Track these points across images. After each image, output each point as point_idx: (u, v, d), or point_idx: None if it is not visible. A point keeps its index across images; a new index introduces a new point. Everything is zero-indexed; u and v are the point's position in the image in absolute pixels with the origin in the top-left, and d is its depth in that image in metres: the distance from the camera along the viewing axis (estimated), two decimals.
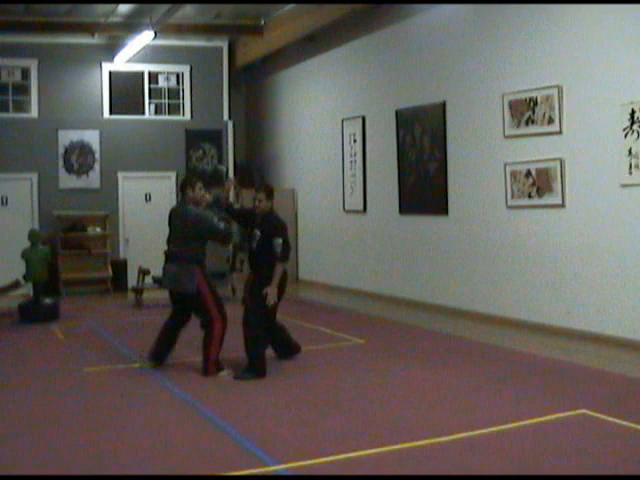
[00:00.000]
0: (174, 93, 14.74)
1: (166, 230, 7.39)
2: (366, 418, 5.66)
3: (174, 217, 7.33)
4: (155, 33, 11.74)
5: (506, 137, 9.09)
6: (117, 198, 14.18)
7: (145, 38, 12.06)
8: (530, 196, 8.78)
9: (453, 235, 10.15)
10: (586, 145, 8.08)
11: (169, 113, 14.71)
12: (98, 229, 13.80)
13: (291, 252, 7.23)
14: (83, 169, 13.96)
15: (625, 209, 7.67)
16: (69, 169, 13.87)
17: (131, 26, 12.62)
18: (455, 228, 10.11)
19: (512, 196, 9.03)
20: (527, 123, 8.74)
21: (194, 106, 14.70)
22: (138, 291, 11.92)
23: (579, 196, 8.22)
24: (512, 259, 9.15)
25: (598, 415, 5.45)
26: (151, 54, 13.95)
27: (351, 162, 12.41)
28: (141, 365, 7.55)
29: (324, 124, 13.28)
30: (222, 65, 14.79)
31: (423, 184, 10.64)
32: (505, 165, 9.09)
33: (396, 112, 11.12)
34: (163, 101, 14.68)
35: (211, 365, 7.01)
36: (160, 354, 7.37)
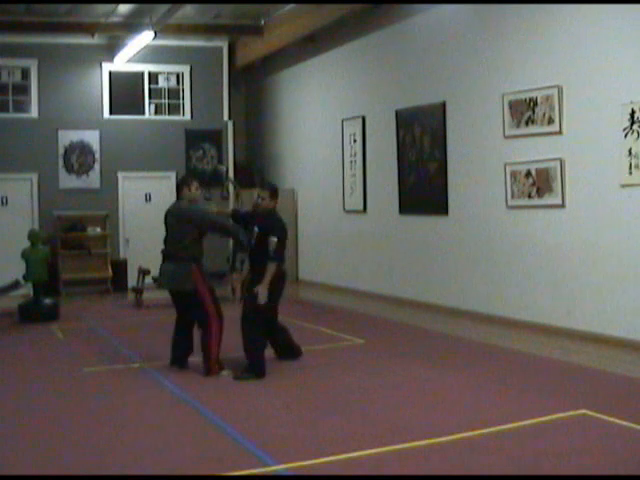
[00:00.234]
0: (174, 93, 14.74)
1: None
2: (366, 418, 5.66)
3: (169, 217, 7.33)
4: (155, 33, 11.74)
5: (506, 137, 9.08)
6: (117, 198, 14.18)
7: (145, 38, 12.06)
8: (530, 196, 8.78)
9: (453, 235, 10.15)
10: (586, 145, 8.08)
11: (169, 113, 14.71)
12: (98, 229, 13.81)
13: (285, 253, 7.16)
14: (83, 169, 13.96)
15: (625, 209, 7.67)
16: (69, 169, 13.88)
17: (131, 26, 12.62)
18: (455, 228, 10.10)
19: (512, 196, 9.03)
20: (527, 123, 8.74)
21: (194, 106, 14.70)
22: (138, 291, 11.92)
23: (579, 196, 8.21)
24: (512, 259, 9.15)
25: (598, 415, 5.45)
26: (151, 54, 13.96)
27: (351, 162, 12.41)
28: (141, 365, 7.55)
29: (324, 124, 13.28)
30: (222, 65, 14.79)
31: (423, 184, 10.64)
32: (505, 165, 9.09)
33: (396, 112, 11.12)
34: (163, 101, 14.69)
35: (212, 364, 7.01)
36: (179, 359, 7.33)
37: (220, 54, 14.76)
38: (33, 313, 10.29)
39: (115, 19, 12.71)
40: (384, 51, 11.55)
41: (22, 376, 7.27)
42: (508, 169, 9.04)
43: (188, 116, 14.69)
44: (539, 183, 8.64)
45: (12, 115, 13.70)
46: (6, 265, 12.08)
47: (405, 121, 10.96)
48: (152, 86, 14.57)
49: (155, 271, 11.12)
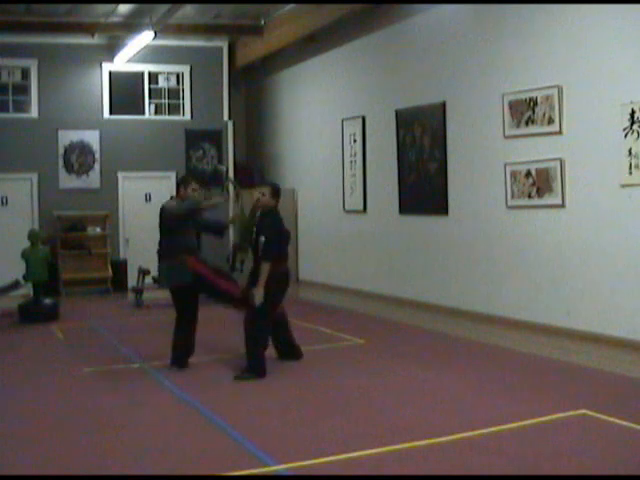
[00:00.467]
0: (174, 93, 14.74)
1: None
2: (366, 418, 5.66)
3: (161, 214, 7.38)
4: (155, 33, 11.74)
5: (506, 137, 9.08)
6: (117, 198, 14.18)
7: (145, 38, 12.06)
8: (530, 196, 8.78)
9: (453, 235, 10.15)
10: (586, 145, 8.08)
11: (169, 113, 14.71)
12: (98, 229, 13.81)
13: (284, 254, 7.15)
14: (83, 169, 13.96)
15: (625, 209, 7.67)
16: (69, 169, 13.88)
17: (131, 26, 12.62)
18: (455, 228, 10.11)
19: (512, 196, 9.03)
20: (527, 123, 8.74)
21: (194, 106, 14.70)
22: (138, 291, 11.92)
23: (579, 196, 8.21)
24: (512, 259, 9.15)
25: (598, 415, 5.45)
26: (151, 54, 13.96)
27: (351, 162, 12.41)
28: (141, 365, 7.55)
29: (324, 124, 13.28)
30: (222, 65, 14.79)
31: (423, 184, 10.64)
32: (505, 165, 9.09)
33: (396, 112, 11.12)
34: (163, 101, 14.69)
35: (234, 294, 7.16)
36: (179, 359, 7.32)
37: (220, 54, 14.76)
38: (33, 313, 10.29)
39: (115, 19, 12.71)
40: (384, 51, 11.55)
41: (22, 376, 7.27)
42: (508, 169, 9.04)
43: (188, 116, 14.69)
44: (539, 183, 8.64)
45: (12, 115, 13.70)
46: (6, 265, 12.08)
47: (405, 121, 10.96)
48: (152, 86, 14.57)
49: (155, 271, 11.16)
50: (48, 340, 9.16)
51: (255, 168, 15.54)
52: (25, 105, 13.83)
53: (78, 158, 13.91)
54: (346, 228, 12.69)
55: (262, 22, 13.34)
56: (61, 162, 13.82)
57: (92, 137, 13.97)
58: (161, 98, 14.66)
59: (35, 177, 13.67)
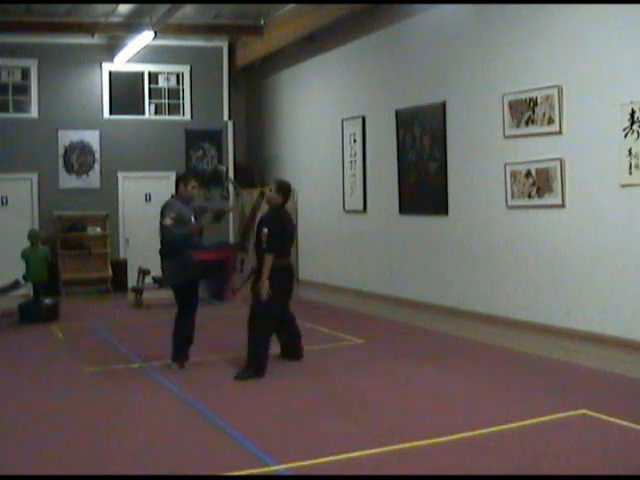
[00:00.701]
0: (174, 93, 14.74)
1: None
2: (366, 418, 5.66)
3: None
4: (155, 33, 11.74)
5: (506, 137, 9.08)
6: (117, 198, 14.19)
7: (145, 38, 12.06)
8: (530, 196, 8.77)
9: (453, 235, 10.14)
10: (586, 145, 8.08)
11: (169, 113, 14.71)
12: (98, 229, 13.81)
13: (276, 245, 7.06)
14: (83, 169, 13.96)
15: (625, 209, 7.66)
16: (69, 169, 13.88)
17: (131, 26, 12.61)
18: (455, 228, 10.10)
19: (512, 196, 9.03)
20: (527, 123, 8.74)
21: (194, 106, 14.70)
22: (138, 291, 11.92)
23: (579, 196, 8.21)
24: (512, 259, 9.15)
25: (598, 415, 5.45)
26: (151, 54, 13.96)
27: (351, 162, 12.41)
28: (141, 365, 7.55)
29: (324, 124, 13.28)
30: (222, 65, 14.79)
31: (423, 184, 10.63)
32: (505, 165, 9.09)
33: (396, 112, 11.11)
34: (163, 101, 14.69)
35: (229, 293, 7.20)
36: (181, 353, 7.31)
37: (220, 54, 14.77)
38: (33, 313, 10.30)
39: (115, 19, 12.70)
40: (384, 51, 11.55)
41: (22, 376, 7.27)
42: (508, 169, 9.04)
43: (188, 116, 14.70)
44: (539, 183, 8.63)
45: (12, 115, 13.70)
46: (6, 265, 12.07)
47: (405, 121, 10.95)
48: (152, 86, 14.57)
49: (155, 271, 11.16)
50: (48, 340, 9.16)
51: (255, 168, 15.53)
52: (25, 105, 13.83)
53: (78, 158, 13.91)
54: (346, 228, 12.69)
55: (262, 22, 13.33)
56: (61, 162, 13.82)
57: (92, 137, 13.98)
58: (161, 98, 14.67)
59: (35, 177, 13.67)
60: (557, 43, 8.39)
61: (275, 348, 7.49)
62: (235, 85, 15.53)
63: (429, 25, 10.49)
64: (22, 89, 13.81)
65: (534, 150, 8.68)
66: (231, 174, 14.47)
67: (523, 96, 8.74)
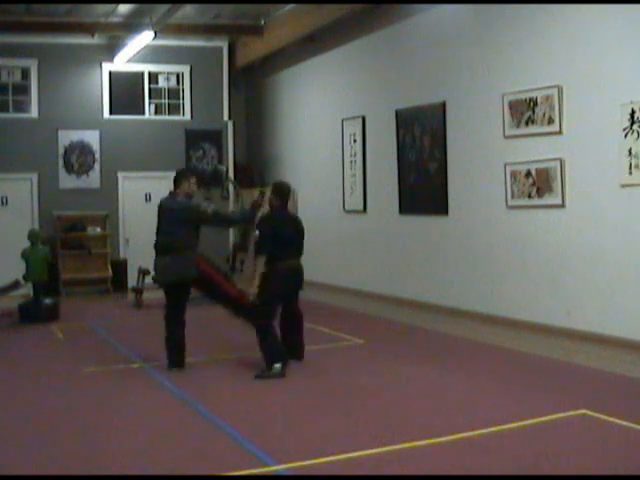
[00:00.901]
0: (174, 93, 14.74)
1: None
2: (366, 418, 5.66)
3: (161, 210, 7.36)
4: (155, 33, 11.74)
5: (506, 137, 9.08)
6: (117, 198, 14.19)
7: (145, 38, 12.06)
8: (530, 196, 8.77)
9: (453, 235, 10.14)
10: (586, 145, 8.08)
11: (169, 113, 14.71)
12: (98, 229, 13.81)
13: (265, 248, 7.13)
14: (83, 169, 13.96)
15: (625, 209, 7.66)
16: (69, 169, 13.88)
17: (131, 26, 12.61)
18: (455, 228, 10.10)
19: (512, 196, 9.03)
20: (527, 123, 8.74)
21: (194, 106, 14.70)
22: (138, 291, 11.92)
23: (579, 196, 8.21)
24: (512, 259, 9.15)
25: (598, 415, 5.45)
26: (151, 54, 13.95)
27: (351, 162, 12.40)
28: (141, 365, 7.55)
29: (324, 124, 13.28)
30: (222, 65, 14.79)
31: (423, 184, 10.63)
32: (505, 165, 9.09)
33: (396, 112, 11.11)
34: (163, 101, 14.69)
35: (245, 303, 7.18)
36: (179, 360, 7.30)
37: (220, 54, 14.76)
38: (33, 313, 10.30)
39: (115, 19, 12.70)
40: (384, 51, 11.55)
41: (22, 376, 7.27)
42: (508, 169, 9.04)
43: (188, 116, 14.70)
44: (539, 183, 8.63)
45: (12, 115, 13.71)
46: (6, 265, 12.07)
47: (405, 121, 10.95)
48: (152, 86, 14.57)
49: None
50: (48, 340, 9.16)
51: (255, 168, 15.53)
52: (25, 105, 13.83)
53: (78, 158, 13.91)
54: (346, 228, 12.68)
55: (262, 22, 13.33)
56: (61, 162, 13.82)
57: (92, 137, 13.98)
58: (161, 98, 14.67)
59: (35, 177, 13.67)
60: (557, 43, 8.39)
61: None
62: (235, 85, 15.53)
63: (429, 25, 10.49)
64: (22, 89, 13.81)
65: (534, 150, 8.68)
66: (231, 174, 14.47)
67: (523, 96, 8.74)
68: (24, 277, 10.55)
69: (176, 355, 7.27)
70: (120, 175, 14.19)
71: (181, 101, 14.73)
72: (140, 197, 14.27)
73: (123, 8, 12.10)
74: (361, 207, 12.20)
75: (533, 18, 8.69)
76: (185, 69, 14.64)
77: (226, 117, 14.88)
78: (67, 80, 13.87)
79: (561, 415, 5.51)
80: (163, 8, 11.30)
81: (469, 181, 9.81)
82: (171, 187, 7.50)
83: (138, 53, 13.31)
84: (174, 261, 7.12)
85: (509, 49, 9.08)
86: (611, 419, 5.34)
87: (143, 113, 14.51)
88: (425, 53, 10.57)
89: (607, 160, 7.78)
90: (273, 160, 15.24)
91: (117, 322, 10.58)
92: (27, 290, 11.53)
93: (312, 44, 13.19)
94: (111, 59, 13.96)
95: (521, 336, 8.53)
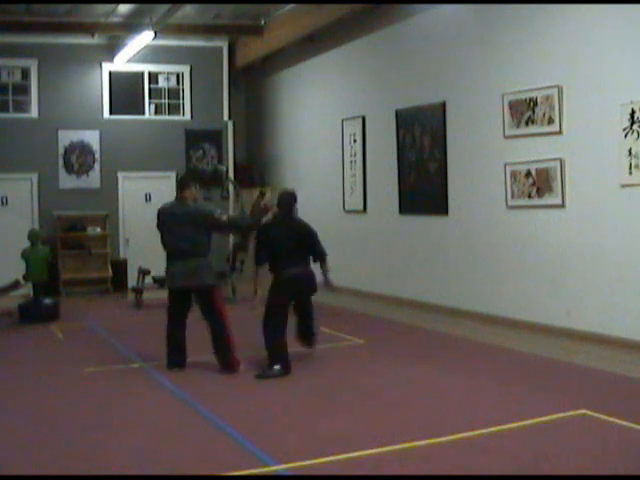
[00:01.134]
0: (174, 93, 14.74)
1: None
2: (366, 418, 5.66)
3: (172, 216, 7.26)
4: (155, 33, 11.74)
5: (506, 137, 9.08)
6: (117, 198, 14.18)
7: (145, 38, 12.06)
8: (530, 196, 8.78)
9: (453, 235, 10.15)
10: (586, 145, 8.08)
11: (169, 113, 14.71)
12: (98, 229, 13.81)
13: (260, 259, 7.20)
14: (83, 169, 13.96)
15: (625, 209, 7.67)
16: (69, 169, 13.88)
17: (131, 26, 12.61)
18: (455, 228, 10.10)
19: (512, 196, 9.03)
20: (527, 123, 8.74)
21: (194, 106, 14.70)
22: (138, 291, 11.92)
23: (579, 196, 8.21)
24: (512, 259, 9.15)
25: (598, 415, 5.45)
26: (151, 54, 13.95)
27: (351, 162, 12.41)
28: (141, 365, 7.55)
29: (324, 124, 13.28)
30: (222, 65, 14.79)
31: (423, 184, 10.64)
32: (505, 165, 9.09)
33: (396, 112, 11.11)
34: (163, 101, 14.69)
35: (236, 362, 7.11)
36: (180, 361, 7.31)
37: (220, 54, 14.76)
38: (33, 313, 10.29)
39: (115, 19, 12.71)
40: (384, 51, 11.55)
41: (22, 376, 7.27)
42: (508, 169, 9.04)
43: (188, 116, 14.69)
44: (539, 183, 8.64)
45: (12, 115, 13.71)
46: (6, 265, 12.07)
47: (405, 121, 10.96)
48: (152, 86, 14.57)
49: (155, 271, 11.16)
50: (48, 340, 9.16)
51: (255, 168, 15.53)
52: (25, 105, 13.83)
53: (78, 158, 13.91)
54: (346, 228, 12.69)
55: (262, 22, 13.33)
56: (61, 162, 13.82)
57: (92, 137, 13.97)
58: (161, 98, 14.67)
59: (35, 177, 13.67)
60: (557, 43, 8.40)
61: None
62: (235, 85, 15.53)
63: (429, 25, 10.50)
64: (22, 89, 13.81)
65: (534, 150, 8.68)
66: (231, 174, 14.47)
67: (523, 96, 8.74)
68: (24, 277, 10.55)
69: (176, 355, 7.27)
70: (120, 175, 14.19)
71: (181, 101, 14.73)
72: (140, 197, 14.27)
73: (123, 8, 12.10)
74: (361, 207, 12.20)
75: (533, 18, 8.69)
76: (185, 69, 14.64)
77: (226, 117, 14.88)
78: (67, 80, 13.87)
79: (561, 415, 5.50)
80: (163, 8, 11.30)
81: (469, 181, 9.82)
82: (172, 189, 7.51)
83: (138, 53, 13.31)
84: (199, 265, 7.09)
85: (509, 49, 9.08)
86: (611, 419, 5.34)
87: (143, 113, 14.51)
88: (425, 53, 10.57)
89: (607, 160, 7.79)
90: (273, 160, 15.24)
91: (117, 322, 10.58)
92: (27, 290, 11.53)
93: (312, 44, 13.19)
94: (111, 59, 13.96)
95: (521, 336, 8.53)
